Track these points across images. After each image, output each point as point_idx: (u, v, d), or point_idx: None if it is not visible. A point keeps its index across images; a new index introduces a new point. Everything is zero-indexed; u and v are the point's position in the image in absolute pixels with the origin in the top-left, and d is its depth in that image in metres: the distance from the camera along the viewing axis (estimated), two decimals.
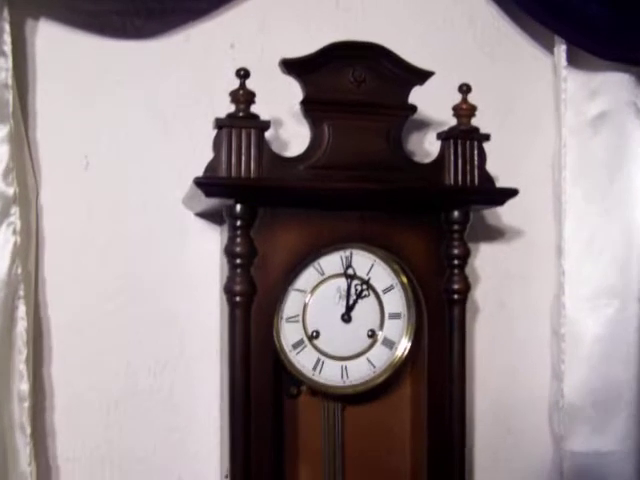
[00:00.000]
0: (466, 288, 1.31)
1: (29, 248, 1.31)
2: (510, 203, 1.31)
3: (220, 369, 1.37)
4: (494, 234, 1.57)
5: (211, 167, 1.19)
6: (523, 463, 1.60)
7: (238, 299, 1.20)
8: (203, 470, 1.42)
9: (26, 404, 1.26)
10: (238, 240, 1.20)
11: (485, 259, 1.55)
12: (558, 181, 1.56)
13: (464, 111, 1.29)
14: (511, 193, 1.29)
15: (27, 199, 1.32)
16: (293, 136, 1.41)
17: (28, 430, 1.26)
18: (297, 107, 1.23)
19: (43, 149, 1.36)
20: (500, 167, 1.35)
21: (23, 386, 1.26)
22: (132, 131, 1.41)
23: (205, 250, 1.41)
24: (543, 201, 1.59)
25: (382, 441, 1.41)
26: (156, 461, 1.40)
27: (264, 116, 1.20)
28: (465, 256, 1.31)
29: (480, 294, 1.55)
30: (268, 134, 1.22)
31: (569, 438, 1.56)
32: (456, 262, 1.31)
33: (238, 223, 1.20)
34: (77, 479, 1.37)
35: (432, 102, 1.39)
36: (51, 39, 1.36)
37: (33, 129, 1.35)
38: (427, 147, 1.50)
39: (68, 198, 1.37)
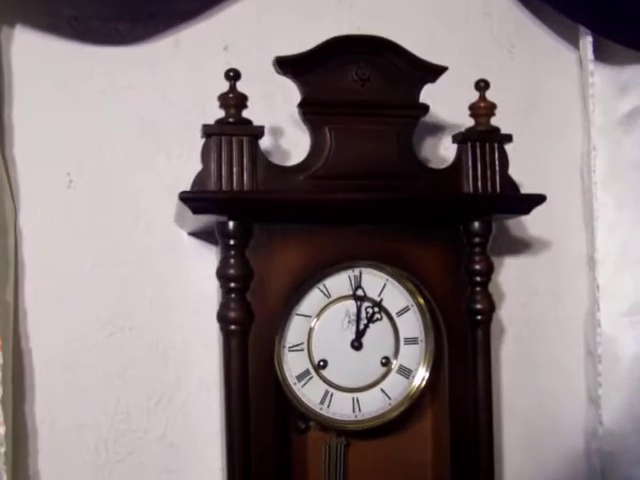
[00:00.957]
0: (490, 308, 1.18)
1: (7, 275, 1.19)
2: (536, 212, 1.18)
3: (220, 404, 1.23)
4: (519, 247, 1.43)
5: (199, 180, 1.07)
6: None
7: (233, 327, 1.07)
8: None
9: (2, 449, 1.13)
10: (232, 261, 1.07)
11: (510, 274, 1.42)
12: (588, 186, 1.42)
13: (482, 109, 1.16)
14: (538, 200, 1.15)
15: (4, 222, 1.20)
16: (295, 146, 1.28)
17: (4, 478, 1.13)
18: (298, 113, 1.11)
19: (21, 167, 1.25)
20: (523, 173, 1.22)
21: None
22: (119, 145, 1.29)
23: (201, 273, 1.28)
24: (572, 209, 1.46)
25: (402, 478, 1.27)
26: None
27: (262, 124, 1.07)
28: (488, 272, 1.18)
29: (505, 313, 1.41)
30: (267, 144, 1.10)
31: (609, 470, 1.41)
32: (478, 279, 1.17)
33: (231, 242, 1.07)
34: None
35: (446, 102, 1.29)
36: (29, 46, 1.25)
37: (10, 145, 1.23)
38: (442, 153, 1.37)
39: (50, 220, 1.26)
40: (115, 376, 1.26)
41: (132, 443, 1.27)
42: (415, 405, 1.22)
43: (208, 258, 1.27)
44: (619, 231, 1.42)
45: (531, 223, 1.42)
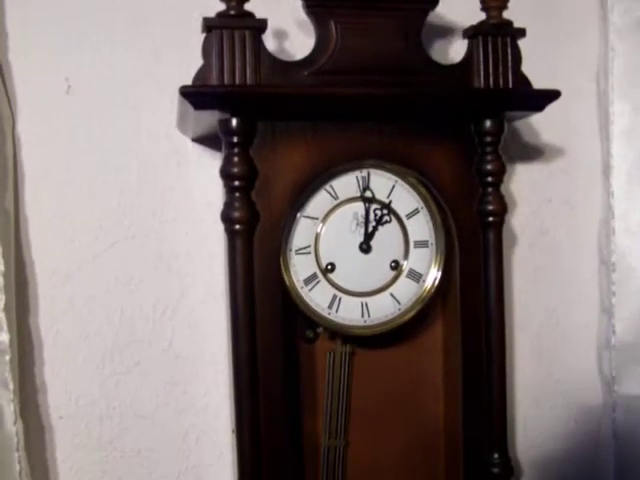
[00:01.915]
0: (502, 209, 1.14)
1: (6, 183, 1.16)
2: (549, 117, 1.14)
3: (226, 313, 1.21)
4: (532, 154, 1.39)
5: (200, 76, 1.03)
6: (569, 410, 1.44)
7: (238, 227, 1.04)
8: (212, 425, 1.27)
9: (7, 357, 1.11)
10: (235, 159, 1.03)
11: (523, 182, 1.38)
12: (604, 90, 1.37)
13: (494, 1, 1.11)
14: (552, 95, 1.11)
15: (1, 129, 1.16)
16: (300, 48, 1.22)
17: (11, 386, 1.11)
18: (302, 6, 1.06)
19: (18, 72, 1.20)
20: (536, 75, 1.15)
21: (2, 337, 1.11)
22: (118, 50, 1.24)
23: (205, 181, 1.25)
24: (587, 115, 1.41)
25: (411, 390, 1.25)
26: (159, 417, 1.26)
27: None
28: (500, 172, 1.14)
29: (518, 222, 1.38)
30: (271, 46, 1.04)
31: (621, 380, 1.39)
32: (490, 179, 1.13)
33: (235, 140, 1.03)
34: (73, 439, 1.23)
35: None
36: None
37: (4, 50, 1.18)
38: (452, 55, 1.31)
39: (49, 127, 1.22)
40: (119, 286, 1.24)
41: (137, 354, 1.25)
42: (425, 312, 1.19)
43: (212, 165, 1.23)
44: (635, 138, 1.37)
45: (544, 129, 1.38)
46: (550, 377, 1.41)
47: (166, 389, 1.25)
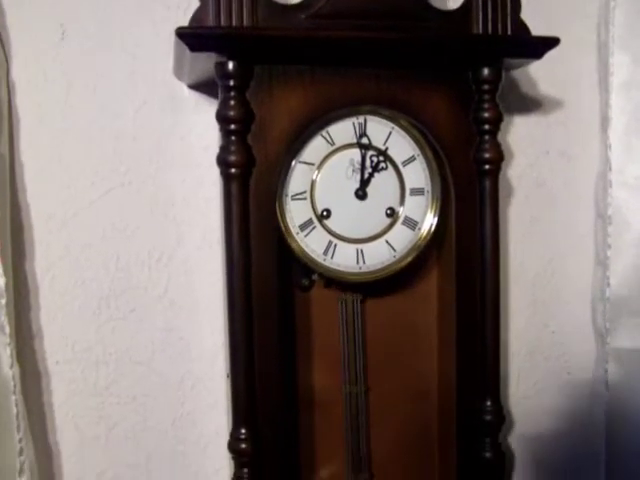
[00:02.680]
0: (499, 157, 1.14)
1: (1, 128, 1.15)
2: (549, 69, 1.14)
3: (222, 260, 1.21)
4: (530, 105, 1.38)
5: (197, 17, 1.02)
6: (563, 362, 1.44)
7: (234, 171, 1.03)
8: (207, 372, 1.28)
9: (3, 300, 1.11)
10: (231, 103, 1.03)
11: (520, 134, 1.37)
12: (604, 41, 1.36)
13: None
14: (551, 43, 1.10)
15: None
16: None
17: (7, 329, 1.12)
18: None
19: (11, 18, 1.18)
20: (535, 27, 1.13)
21: None
22: None
23: (202, 127, 1.24)
24: (586, 66, 1.40)
25: (407, 338, 1.26)
26: (155, 363, 1.26)
27: None
28: (497, 120, 1.13)
29: (514, 173, 1.37)
30: None
31: (615, 333, 1.39)
32: (487, 127, 1.13)
33: (231, 83, 1.03)
34: (69, 384, 1.24)
35: None
36: None
37: None
38: (451, 1, 1.30)
39: (44, 73, 1.20)
40: (115, 233, 1.24)
41: (133, 301, 1.25)
42: (421, 260, 1.19)
43: (209, 112, 1.22)
44: (635, 90, 1.36)
45: (543, 80, 1.36)
46: (544, 328, 1.42)
47: (162, 336, 1.26)
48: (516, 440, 1.40)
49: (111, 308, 1.24)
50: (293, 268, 1.18)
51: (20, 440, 1.13)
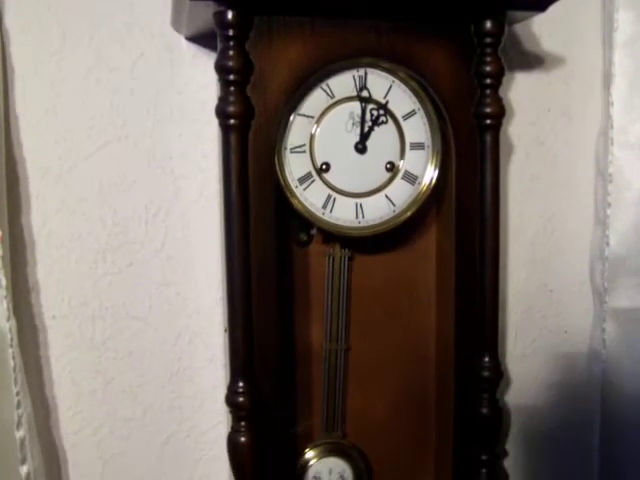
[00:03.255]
0: (500, 111, 1.12)
1: None
2: (551, 25, 1.12)
3: (219, 214, 1.20)
4: (532, 62, 1.36)
5: None
6: (561, 321, 1.44)
7: (232, 122, 1.01)
8: (204, 328, 1.27)
9: None
10: (231, 53, 1.01)
11: (521, 91, 1.36)
12: None
13: None
14: None
15: None
16: None
17: (4, 282, 1.11)
18: None
19: None
20: None
21: None
22: None
23: (200, 80, 1.23)
24: (590, 22, 1.38)
25: (404, 296, 1.26)
26: (152, 318, 1.26)
27: None
28: (499, 74, 1.11)
29: (515, 131, 1.36)
30: None
31: (612, 293, 1.39)
32: (488, 81, 1.11)
33: (230, 33, 1.00)
34: (66, 339, 1.23)
35: None
36: None
37: None
38: None
39: (39, 22, 1.18)
40: (111, 187, 1.22)
41: (130, 255, 1.24)
42: (420, 216, 1.19)
43: (207, 65, 1.21)
44: (639, 47, 1.34)
45: (545, 36, 1.35)
46: (543, 287, 1.41)
47: (159, 290, 1.25)
48: (513, 398, 1.40)
49: (108, 262, 1.23)
50: (291, 223, 1.17)
51: (17, 393, 1.13)
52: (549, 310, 1.42)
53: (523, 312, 1.41)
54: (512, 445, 1.42)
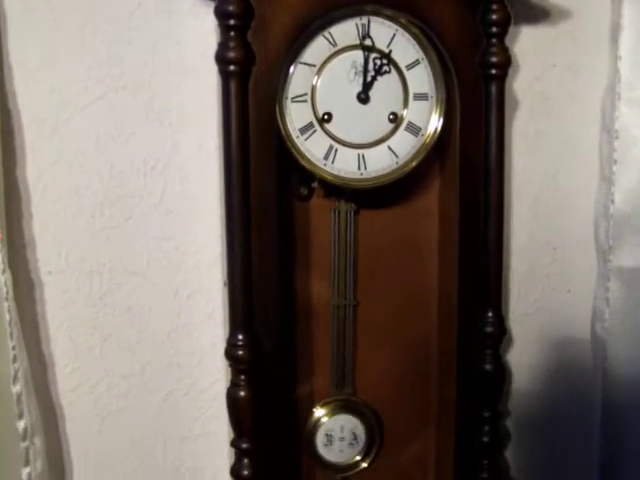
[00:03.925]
0: (506, 61, 1.11)
1: None
2: None
3: (219, 167, 1.18)
4: (538, 15, 1.32)
5: None
6: (564, 280, 1.42)
7: (232, 68, 1.00)
8: (204, 283, 1.25)
9: None
10: None
11: (527, 45, 1.32)
12: None
13: None
14: None
15: None
16: None
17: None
18: None
19: None
20: None
21: None
22: None
23: (198, 31, 1.19)
24: None
25: (407, 252, 1.25)
26: (150, 274, 1.23)
27: None
28: (505, 23, 1.10)
29: (519, 86, 1.33)
30: None
31: (617, 251, 1.36)
32: (494, 30, 1.09)
33: None
34: (62, 294, 1.21)
35: None
36: None
37: None
38: None
39: None
40: (109, 139, 1.20)
41: (128, 209, 1.21)
42: (423, 170, 1.17)
43: (206, 14, 1.17)
44: None
45: None
46: (546, 245, 1.39)
47: (158, 245, 1.23)
48: (515, 357, 1.39)
49: (105, 217, 1.21)
50: (292, 178, 1.16)
51: (14, 347, 1.11)
52: (552, 268, 1.40)
53: (526, 271, 1.39)
54: (514, 405, 1.40)
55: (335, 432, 1.23)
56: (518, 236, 1.37)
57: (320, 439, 1.23)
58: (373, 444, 1.26)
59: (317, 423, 1.23)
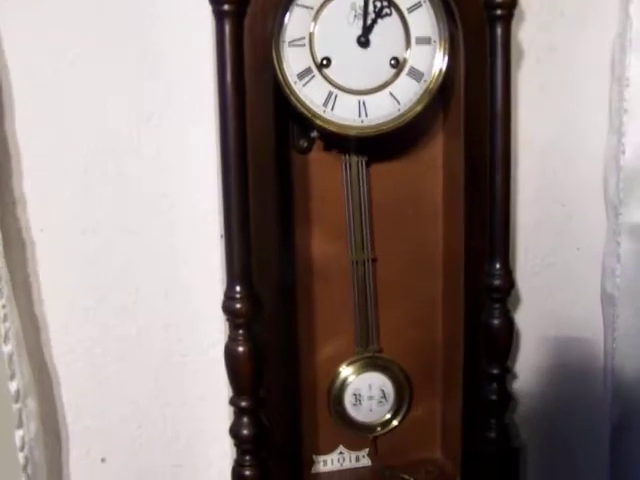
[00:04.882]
0: (511, 1, 1.05)
1: None
2: None
3: (216, 120, 1.13)
4: None
5: None
6: (573, 237, 1.38)
7: (227, 8, 0.95)
8: (201, 241, 1.21)
9: None
10: None
11: None
12: None
13: None
14: None
15: None
16: None
17: None
18: None
19: None
20: None
21: None
22: None
23: None
24: None
25: (411, 204, 1.21)
26: (146, 232, 1.19)
27: None
28: None
29: (525, 36, 1.28)
30: None
31: (627, 205, 1.31)
32: None
33: None
34: (55, 253, 1.17)
35: None
36: None
37: None
38: None
39: None
40: (100, 91, 1.15)
41: (122, 165, 1.17)
42: (427, 120, 1.13)
43: None
44: None
45: None
46: (554, 201, 1.35)
47: (152, 202, 1.18)
48: (522, 316, 1.35)
49: (98, 173, 1.16)
50: (291, 130, 1.12)
51: (4, 306, 1.07)
52: (561, 225, 1.36)
53: (533, 228, 1.35)
54: (521, 366, 1.37)
55: (363, 391, 1.20)
56: (525, 192, 1.33)
57: (348, 399, 1.20)
58: (403, 401, 1.23)
59: (344, 383, 1.20)
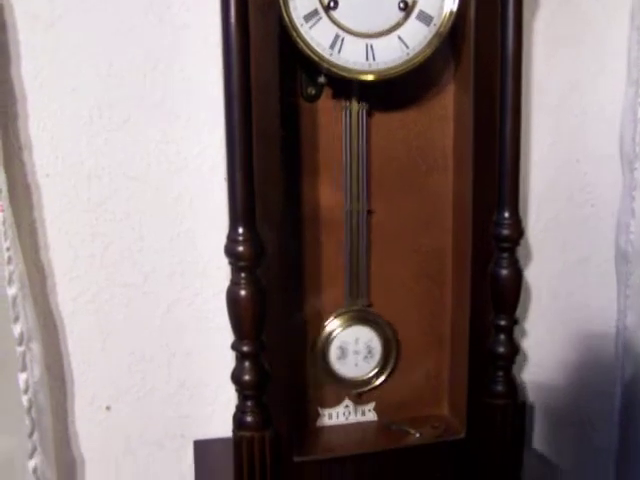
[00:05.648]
0: None
1: None
2: None
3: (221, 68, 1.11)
4: None
5: None
6: (586, 193, 1.36)
7: None
8: (207, 187, 1.20)
9: None
10: None
11: None
12: None
13: None
14: None
15: None
16: None
17: None
18: None
19: None
20: None
21: None
22: None
23: None
24: None
25: (420, 156, 1.19)
26: (151, 178, 1.18)
27: None
28: None
29: None
30: None
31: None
32: None
33: None
34: (61, 199, 1.16)
35: None
36: None
37: None
38: None
39: None
40: (107, 36, 1.14)
41: (127, 110, 1.16)
42: (436, 68, 1.12)
43: None
44: None
45: None
46: (568, 157, 1.32)
47: (158, 148, 1.18)
48: (533, 274, 1.33)
49: (104, 118, 1.15)
50: (299, 78, 1.10)
51: (8, 249, 1.07)
52: (574, 182, 1.34)
53: (547, 184, 1.32)
54: (532, 324, 1.35)
55: (349, 345, 1.18)
56: (538, 148, 1.30)
57: (334, 352, 1.18)
58: (389, 359, 1.21)
59: (330, 335, 1.18)
